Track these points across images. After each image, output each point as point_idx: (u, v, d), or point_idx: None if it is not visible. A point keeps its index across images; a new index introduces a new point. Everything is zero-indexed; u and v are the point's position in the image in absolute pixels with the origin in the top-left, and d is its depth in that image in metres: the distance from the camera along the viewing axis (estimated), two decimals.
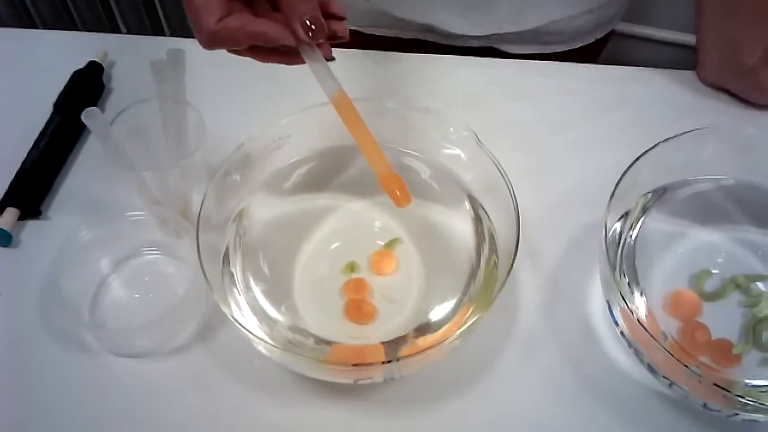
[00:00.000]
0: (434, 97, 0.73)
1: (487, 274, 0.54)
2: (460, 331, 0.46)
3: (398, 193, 0.50)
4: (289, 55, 0.49)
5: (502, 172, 0.53)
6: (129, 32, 1.48)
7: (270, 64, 0.50)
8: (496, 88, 0.75)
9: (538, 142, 0.70)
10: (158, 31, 1.51)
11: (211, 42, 0.47)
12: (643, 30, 1.11)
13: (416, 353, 0.46)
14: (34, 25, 1.49)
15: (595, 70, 0.78)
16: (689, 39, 1.05)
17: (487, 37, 0.79)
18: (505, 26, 0.78)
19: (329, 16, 0.48)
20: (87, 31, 1.43)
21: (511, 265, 0.49)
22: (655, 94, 0.75)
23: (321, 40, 0.47)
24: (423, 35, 0.82)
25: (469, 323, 0.47)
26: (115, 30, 1.49)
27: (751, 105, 0.73)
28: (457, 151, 0.58)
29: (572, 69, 0.78)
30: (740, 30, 0.69)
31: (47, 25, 1.49)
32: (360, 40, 0.85)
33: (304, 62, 0.49)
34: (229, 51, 0.49)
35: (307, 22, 0.45)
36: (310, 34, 0.46)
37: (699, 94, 0.75)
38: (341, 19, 0.49)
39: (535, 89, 0.75)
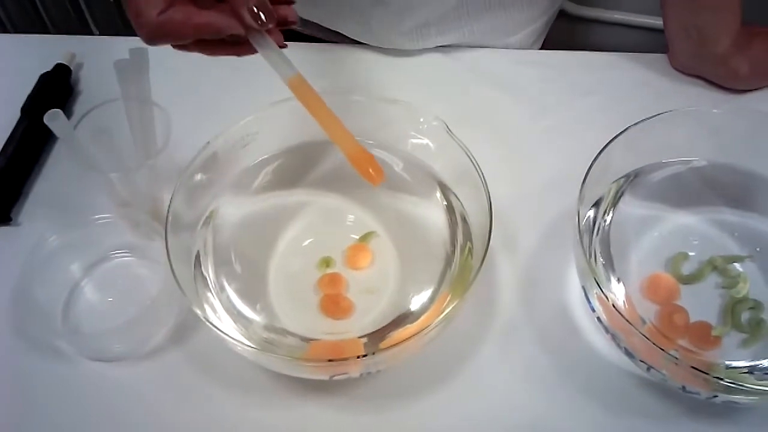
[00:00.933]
0: (406, 88, 0.73)
1: (462, 262, 0.54)
2: (434, 322, 0.46)
3: (371, 170, 0.48)
4: (238, 45, 0.48)
5: (473, 159, 0.53)
6: (100, 33, 1.46)
7: (233, 59, 0.49)
8: (469, 77, 0.74)
9: (513, 129, 0.69)
10: (130, 32, 1.49)
11: (153, 36, 0.45)
12: (597, 12, 1.10)
13: (392, 346, 0.46)
14: (2, 27, 1.47)
15: (567, 56, 0.77)
16: (649, 21, 1.05)
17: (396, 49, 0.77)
18: (406, 44, 0.76)
19: (276, 0, 0.46)
20: (57, 32, 1.41)
21: (485, 252, 0.48)
22: (630, 79, 0.74)
23: (270, 26, 0.45)
24: (335, 38, 0.80)
25: (444, 313, 0.47)
26: (87, 31, 1.47)
27: (726, 87, 0.73)
28: (427, 142, 0.58)
29: (545, 56, 0.78)
30: (705, 19, 0.69)
31: (16, 27, 1.47)
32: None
33: (254, 52, 0.47)
34: (174, 47, 0.47)
35: (255, 9, 0.43)
36: (259, 21, 0.44)
37: (674, 78, 0.74)
38: (289, 2, 0.48)
39: (508, 77, 0.75)
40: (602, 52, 0.77)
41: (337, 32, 0.79)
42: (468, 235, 0.55)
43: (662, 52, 0.76)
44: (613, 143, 0.54)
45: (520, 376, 0.53)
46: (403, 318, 0.52)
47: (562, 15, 0.93)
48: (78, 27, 1.46)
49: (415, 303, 0.53)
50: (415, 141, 0.58)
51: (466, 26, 0.75)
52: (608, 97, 0.72)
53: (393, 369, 0.53)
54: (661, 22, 0.73)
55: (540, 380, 0.53)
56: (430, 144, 0.58)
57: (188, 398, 0.53)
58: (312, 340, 0.52)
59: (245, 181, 0.59)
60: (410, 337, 0.45)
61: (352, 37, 0.78)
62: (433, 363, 0.53)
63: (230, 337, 0.46)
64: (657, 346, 0.45)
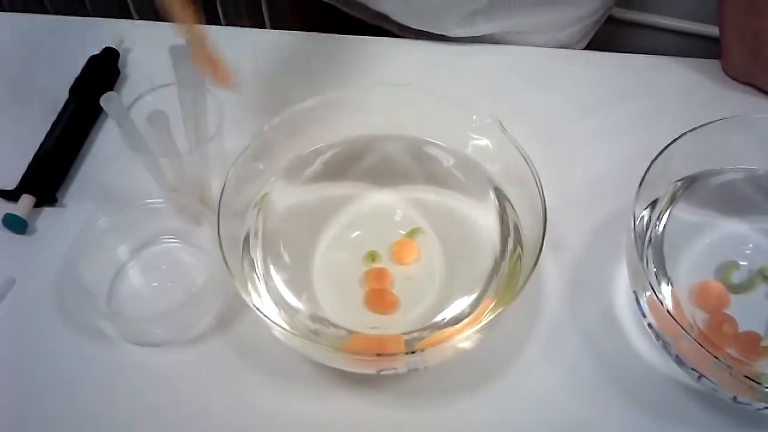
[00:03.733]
0: (453, 84, 0.72)
1: (510, 266, 0.53)
2: (481, 324, 0.45)
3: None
4: None
5: (528, 161, 0.52)
6: (141, 18, 1.47)
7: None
8: (516, 76, 0.74)
9: (560, 129, 0.68)
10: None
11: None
12: (642, 17, 1.09)
13: (439, 343, 0.45)
14: (44, 11, 1.48)
15: (614, 57, 0.76)
16: (694, 27, 1.04)
17: (443, 36, 0.77)
18: (453, 31, 0.76)
19: None
20: (98, 16, 1.42)
21: (536, 261, 0.48)
22: (678, 83, 0.73)
23: None
24: (380, 23, 0.79)
25: (491, 317, 0.46)
26: (127, 16, 1.48)
27: None
28: (483, 141, 0.57)
29: (591, 56, 0.77)
30: (765, 24, 0.67)
31: (57, 11, 1.48)
32: (332, 20, 0.83)
33: None
34: None
35: None
36: None
37: (722, 83, 0.73)
38: None
39: (556, 77, 0.74)
40: (650, 56, 0.76)
41: (382, 14, 0.78)
42: (518, 239, 0.54)
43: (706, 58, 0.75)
44: (672, 146, 0.53)
45: (566, 380, 0.53)
46: (447, 319, 0.52)
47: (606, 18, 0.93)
48: (119, 12, 1.47)
49: (460, 305, 0.52)
50: (471, 140, 0.58)
51: (515, 17, 0.75)
52: (657, 101, 0.71)
53: (433, 367, 0.53)
54: (704, 29, 0.72)
55: (586, 385, 0.52)
56: (485, 143, 0.57)
57: (230, 386, 0.53)
58: (354, 333, 0.51)
59: (297, 170, 0.59)
60: (454, 338, 0.45)
61: (395, 20, 0.77)
62: (476, 362, 0.53)
63: (281, 326, 0.45)
64: (710, 353, 0.44)
